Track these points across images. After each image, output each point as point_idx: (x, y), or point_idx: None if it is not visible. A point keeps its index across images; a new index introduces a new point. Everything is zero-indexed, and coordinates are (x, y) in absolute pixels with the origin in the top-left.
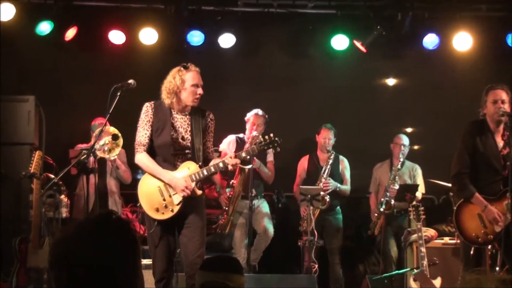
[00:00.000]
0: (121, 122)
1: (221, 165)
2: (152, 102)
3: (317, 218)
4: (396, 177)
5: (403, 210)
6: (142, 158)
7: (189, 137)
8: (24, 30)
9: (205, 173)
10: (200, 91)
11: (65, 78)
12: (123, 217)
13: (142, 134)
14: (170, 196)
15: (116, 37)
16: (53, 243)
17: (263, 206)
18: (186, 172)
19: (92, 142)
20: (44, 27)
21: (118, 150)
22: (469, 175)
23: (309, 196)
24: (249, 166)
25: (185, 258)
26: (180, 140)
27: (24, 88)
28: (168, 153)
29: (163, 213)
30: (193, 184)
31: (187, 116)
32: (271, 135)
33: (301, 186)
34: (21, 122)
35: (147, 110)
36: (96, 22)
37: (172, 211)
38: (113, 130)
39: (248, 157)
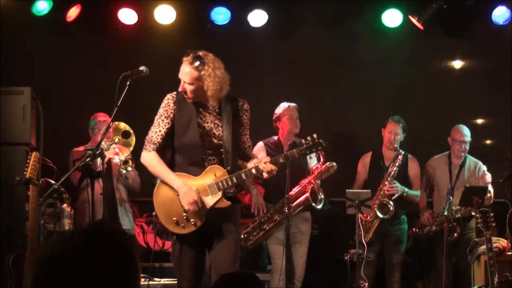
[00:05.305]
0: (130, 117)
1: (254, 171)
2: (175, 93)
3: (377, 227)
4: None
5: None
6: (150, 157)
7: (221, 134)
8: (18, 9)
9: (234, 180)
10: (182, 88)
11: (66, 65)
12: (136, 228)
13: (156, 130)
14: None
15: (127, 16)
16: (35, 263)
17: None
18: (212, 179)
19: (98, 140)
20: (42, 6)
21: (130, 150)
22: None
23: (356, 201)
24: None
25: (216, 277)
26: (212, 138)
27: (18, 78)
28: (196, 155)
29: (183, 226)
30: (220, 194)
31: (217, 109)
32: (314, 135)
33: (347, 190)
34: (14, 119)
35: (167, 104)
36: None
37: (194, 225)
38: (123, 126)
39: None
